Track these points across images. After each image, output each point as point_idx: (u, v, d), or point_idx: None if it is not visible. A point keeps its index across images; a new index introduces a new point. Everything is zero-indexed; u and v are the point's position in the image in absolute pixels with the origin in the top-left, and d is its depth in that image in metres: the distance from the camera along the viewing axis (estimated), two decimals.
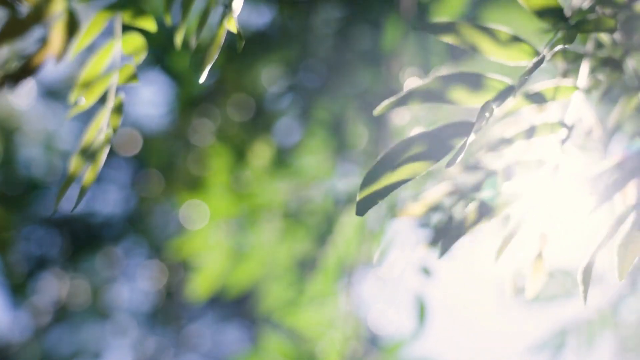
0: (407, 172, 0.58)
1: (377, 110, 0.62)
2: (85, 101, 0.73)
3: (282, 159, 1.75)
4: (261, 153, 1.76)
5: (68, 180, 0.70)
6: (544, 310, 1.40)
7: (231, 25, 0.64)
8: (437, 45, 1.53)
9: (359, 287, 1.60)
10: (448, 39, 0.65)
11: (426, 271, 1.21)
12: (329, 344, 1.53)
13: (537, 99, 0.68)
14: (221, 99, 2.07)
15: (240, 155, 1.77)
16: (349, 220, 1.56)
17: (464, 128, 0.58)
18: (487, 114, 0.57)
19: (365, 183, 0.58)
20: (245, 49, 1.90)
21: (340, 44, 1.81)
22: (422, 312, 1.31)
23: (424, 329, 1.34)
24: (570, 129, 0.68)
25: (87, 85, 0.73)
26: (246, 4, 1.93)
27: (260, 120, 1.96)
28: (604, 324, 1.36)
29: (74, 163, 0.70)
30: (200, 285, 1.73)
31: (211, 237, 1.71)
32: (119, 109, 0.68)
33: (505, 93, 0.60)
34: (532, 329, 1.46)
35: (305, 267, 1.62)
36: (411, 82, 1.25)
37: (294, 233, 1.66)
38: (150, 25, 0.75)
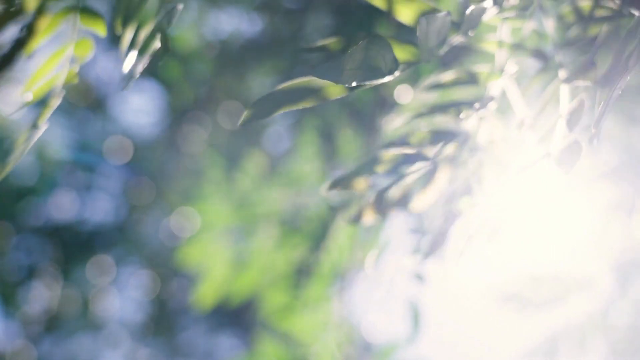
0: (297, 100, 0.60)
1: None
2: (32, 99, 0.76)
3: (275, 167, 1.76)
4: (254, 160, 1.77)
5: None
6: (536, 316, 1.41)
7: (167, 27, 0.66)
8: None
9: (353, 292, 1.60)
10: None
11: (419, 277, 1.22)
12: (323, 348, 1.54)
13: (469, 78, 0.72)
14: (212, 107, 2.08)
15: (233, 162, 1.78)
16: (342, 227, 1.56)
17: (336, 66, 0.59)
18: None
19: (258, 102, 0.60)
20: (236, 57, 1.91)
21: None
22: (415, 317, 1.32)
23: (417, 334, 1.35)
24: (487, 105, 0.72)
25: (36, 83, 0.76)
26: (237, 13, 1.94)
27: (251, 128, 1.96)
28: (595, 328, 1.37)
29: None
30: (204, 294, 1.73)
31: (212, 246, 1.71)
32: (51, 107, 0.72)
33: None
34: (524, 334, 1.47)
35: (300, 273, 1.63)
36: (402, 91, 1.26)
37: (289, 240, 1.66)
38: (102, 29, 0.78)
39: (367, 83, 0.58)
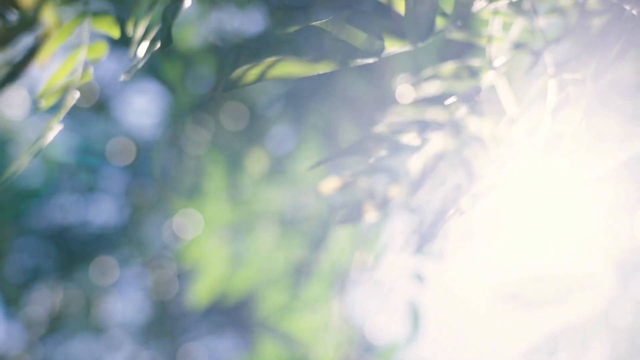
0: (277, 70, 0.59)
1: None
2: (45, 104, 0.77)
3: (277, 166, 1.76)
4: (256, 160, 1.77)
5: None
6: (537, 315, 1.41)
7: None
8: (428, 50, 1.54)
9: (353, 292, 1.60)
10: None
11: (419, 277, 1.22)
12: (323, 349, 1.54)
13: (462, 71, 0.73)
14: (215, 107, 2.08)
15: (235, 162, 1.78)
16: (342, 226, 1.56)
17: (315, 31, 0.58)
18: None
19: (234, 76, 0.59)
20: (238, 56, 1.91)
21: None
22: (415, 317, 1.32)
23: (417, 335, 1.35)
24: (477, 97, 0.72)
25: (51, 89, 0.77)
26: (239, 10, 1.94)
27: (254, 128, 1.96)
28: (596, 328, 1.36)
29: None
30: (200, 292, 1.73)
31: (209, 245, 1.71)
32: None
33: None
34: (524, 334, 1.47)
35: (300, 272, 1.63)
36: (403, 87, 1.26)
37: (289, 239, 1.66)
38: (114, 31, 0.78)
39: (352, 61, 0.58)
